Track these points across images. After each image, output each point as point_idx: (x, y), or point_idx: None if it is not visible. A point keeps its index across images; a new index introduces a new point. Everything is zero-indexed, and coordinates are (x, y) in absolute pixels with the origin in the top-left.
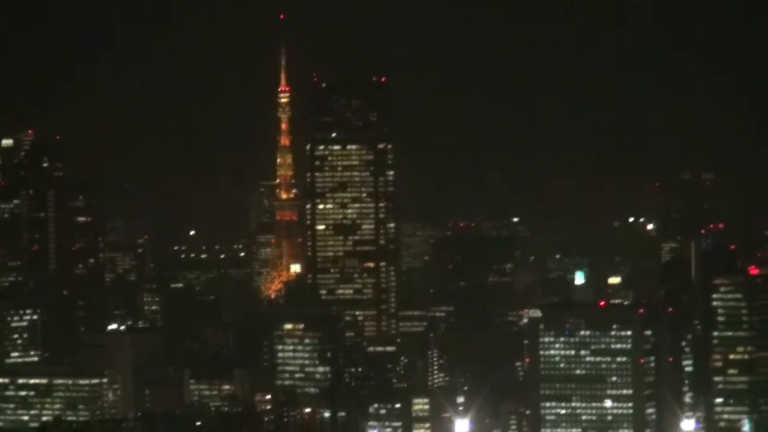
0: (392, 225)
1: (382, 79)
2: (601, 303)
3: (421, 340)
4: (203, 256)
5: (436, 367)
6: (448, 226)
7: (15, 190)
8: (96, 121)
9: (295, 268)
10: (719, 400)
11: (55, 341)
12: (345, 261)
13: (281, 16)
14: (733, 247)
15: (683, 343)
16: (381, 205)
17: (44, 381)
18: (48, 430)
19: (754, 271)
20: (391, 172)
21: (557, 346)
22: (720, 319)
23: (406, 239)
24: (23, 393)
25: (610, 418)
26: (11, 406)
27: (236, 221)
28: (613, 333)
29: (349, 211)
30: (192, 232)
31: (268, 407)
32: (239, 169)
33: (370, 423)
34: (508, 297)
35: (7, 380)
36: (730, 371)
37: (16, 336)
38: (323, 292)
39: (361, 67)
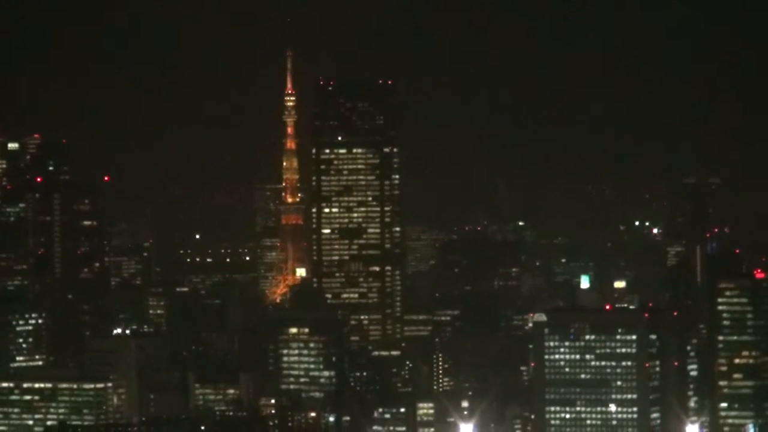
0: (398, 229)
1: (389, 82)
2: (607, 307)
3: (426, 345)
4: (209, 260)
5: (441, 372)
6: (454, 230)
7: (21, 193)
8: (101, 124)
9: (301, 272)
10: (724, 404)
11: (60, 345)
12: (350, 265)
13: (288, 20)
14: (738, 250)
15: (688, 348)
16: (387, 208)
17: (49, 385)
18: None
19: (759, 274)
20: (397, 176)
21: (562, 350)
22: (725, 323)
23: (412, 243)
24: (28, 397)
25: (614, 422)
26: (16, 410)
27: (242, 225)
28: (618, 337)
29: (355, 215)
30: (197, 236)
31: (273, 411)
32: (245, 172)
33: (375, 427)
34: (514, 301)
35: (11, 384)
36: (735, 375)
37: (21, 340)
38: (328, 296)
39: (368, 70)
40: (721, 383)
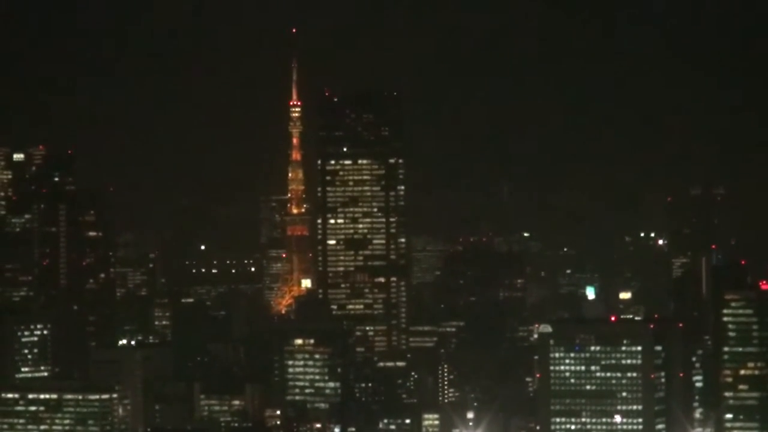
0: (403, 240)
1: (394, 93)
2: (612, 318)
3: (431, 356)
4: (214, 270)
5: (446, 383)
6: (459, 241)
7: (26, 204)
8: (107, 135)
9: (306, 283)
10: (729, 415)
11: (65, 356)
12: (356, 276)
13: (293, 31)
14: (743, 262)
15: (694, 359)
16: (392, 219)
17: (54, 396)
18: None
19: (765, 286)
20: (402, 187)
21: (567, 361)
22: (731, 334)
23: (417, 254)
24: (33, 408)
25: None
26: (21, 421)
27: (247, 236)
28: (623, 348)
29: (360, 226)
30: (203, 247)
31: (278, 423)
32: (250, 183)
33: None
34: (519, 312)
35: (17, 395)
36: (741, 387)
37: (26, 351)
38: (334, 307)
39: (373, 81)
40: (727, 394)
